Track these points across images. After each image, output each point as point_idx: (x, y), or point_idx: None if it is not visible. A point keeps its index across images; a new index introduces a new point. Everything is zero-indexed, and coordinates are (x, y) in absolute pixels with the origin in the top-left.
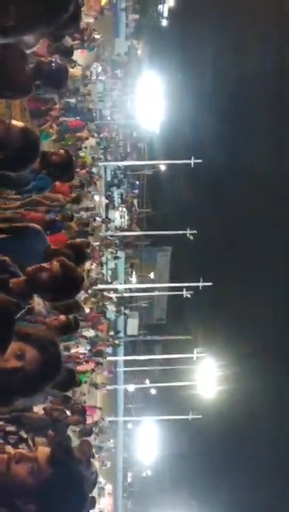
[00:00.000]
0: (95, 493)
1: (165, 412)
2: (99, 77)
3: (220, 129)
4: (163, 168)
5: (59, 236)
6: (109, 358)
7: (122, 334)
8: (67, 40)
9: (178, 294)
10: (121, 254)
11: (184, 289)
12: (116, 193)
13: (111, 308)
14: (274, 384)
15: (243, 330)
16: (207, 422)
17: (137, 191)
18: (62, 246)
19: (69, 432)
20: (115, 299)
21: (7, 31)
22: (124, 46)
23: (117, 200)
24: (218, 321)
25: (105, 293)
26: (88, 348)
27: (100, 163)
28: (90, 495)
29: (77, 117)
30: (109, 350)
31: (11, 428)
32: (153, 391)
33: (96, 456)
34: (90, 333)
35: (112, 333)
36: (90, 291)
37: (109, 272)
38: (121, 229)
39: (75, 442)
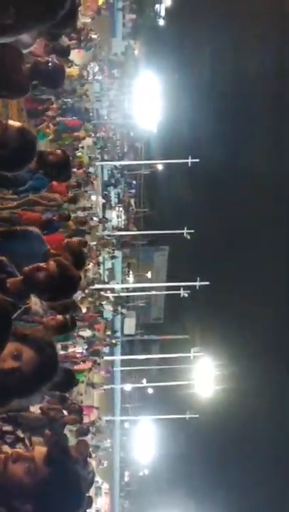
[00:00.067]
0: (91, 492)
1: (162, 411)
2: (96, 77)
3: (217, 128)
4: (160, 167)
5: (56, 235)
6: (106, 358)
7: (119, 334)
8: (64, 40)
9: (175, 293)
10: (118, 253)
11: (181, 289)
12: (113, 193)
13: (108, 308)
14: (272, 384)
15: (241, 329)
16: (204, 422)
17: (134, 191)
18: (61, 250)
19: (66, 432)
20: (112, 299)
21: (5, 29)
22: (121, 46)
23: (114, 199)
24: (216, 320)
25: (102, 292)
26: (85, 347)
27: (97, 163)
28: (87, 494)
29: (74, 117)
30: (106, 349)
31: (7, 428)
32: (150, 390)
33: (93, 455)
34: (87, 332)
35: (109, 332)
36: (87, 291)
37: (107, 272)
38: (118, 228)
39: (72, 442)
